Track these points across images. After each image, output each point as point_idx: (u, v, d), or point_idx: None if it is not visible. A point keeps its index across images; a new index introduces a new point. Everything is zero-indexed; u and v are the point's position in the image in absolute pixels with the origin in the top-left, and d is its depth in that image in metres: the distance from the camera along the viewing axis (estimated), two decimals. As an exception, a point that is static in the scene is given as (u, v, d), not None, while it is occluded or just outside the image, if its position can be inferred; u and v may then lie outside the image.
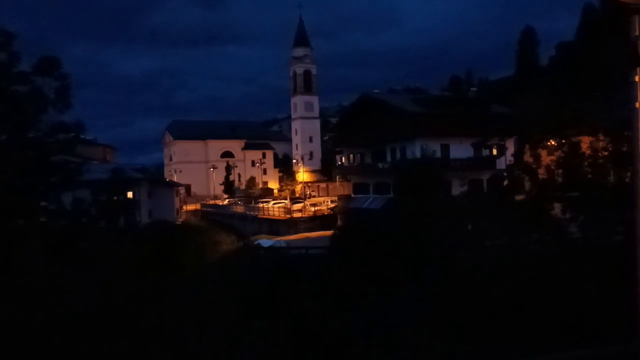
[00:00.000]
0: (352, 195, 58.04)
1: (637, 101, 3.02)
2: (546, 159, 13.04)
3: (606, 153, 11.06)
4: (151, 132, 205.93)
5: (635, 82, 3.01)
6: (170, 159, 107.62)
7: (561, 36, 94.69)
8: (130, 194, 52.57)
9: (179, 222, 61.20)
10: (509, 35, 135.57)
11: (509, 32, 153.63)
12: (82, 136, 22.09)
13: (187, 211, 76.24)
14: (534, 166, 12.87)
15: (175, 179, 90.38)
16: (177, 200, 69.03)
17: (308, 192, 78.53)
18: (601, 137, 11.47)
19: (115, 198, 40.71)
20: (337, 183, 73.74)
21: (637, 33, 2.98)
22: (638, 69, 2.98)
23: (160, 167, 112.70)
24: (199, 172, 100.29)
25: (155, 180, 68.14)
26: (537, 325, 7.49)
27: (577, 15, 68.91)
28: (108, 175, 37.80)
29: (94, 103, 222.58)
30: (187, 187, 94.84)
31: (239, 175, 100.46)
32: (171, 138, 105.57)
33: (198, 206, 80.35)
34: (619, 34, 3.12)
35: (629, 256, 3.11)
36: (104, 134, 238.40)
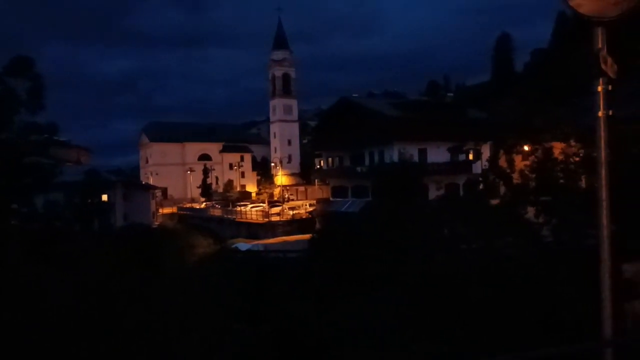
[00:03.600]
0: (331, 199, 58.16)
1: (600, 110, 3.15)
2: (520, 164, 13.31)
3: (577, 159, 11.33)
4: (128, 134, 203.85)
5: (598, 92, 3.14)
6: (147, 162, 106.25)
7: (536, 43, 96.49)
8: (105, 197, 51.86)
9: (155, 226, 60.45)
10: (486, 42, 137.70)
11: (486, 38, 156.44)
12: (56, 137, 21.72)
13: (163, 214, 75.37)
14: (508, 171, 13.14)
15: (151, 181, 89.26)
16: (153, 203, 68.20)
17: (286, 196, 78.40)
18: (573, 143, 11.76)
19: (89, 201, 40.10)
20: (316, 186, 73.78)
21: (599, 45, 3.11)
22: (600, 79, 3.12)
23: (136, 169, 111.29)
24: (176, 174, 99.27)
25: (131, 182, 67.27)
26: (513, 325, 7.66)
27: (552, 22, 70.42)
28: (82, 177, 37.17)
29: (70, 104, 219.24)
30: (164, 190, 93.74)
31: (217, 178, 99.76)
32: (147, 140, 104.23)
33: (175, 209, 79.53)
34: (587, 43, 3.26)
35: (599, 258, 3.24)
36: (80, 136, 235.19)
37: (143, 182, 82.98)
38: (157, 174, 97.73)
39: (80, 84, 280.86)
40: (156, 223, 64.57)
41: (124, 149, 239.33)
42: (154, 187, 75.49)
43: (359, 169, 52.70)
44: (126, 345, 9.83)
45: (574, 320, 6.23)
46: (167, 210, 78.84)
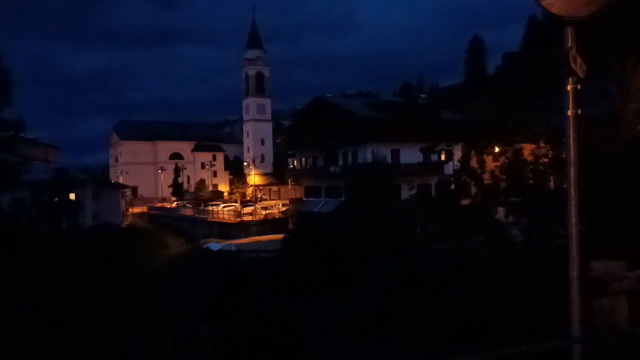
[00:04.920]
0: (304, 199, 58.09)
1: (569, 109, 3.18)
2: (491, 164, 13.47)
3: (546, 160, 11.52)
4: (99, 132, 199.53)
5: (568, 90, 3.17)
6: (117, 160, 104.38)
7: (508, 46, 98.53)
8: (73, 196, 50.71)
9: (125, 225, 59.43)
10: (459, 45, 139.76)
11: (459, 41, 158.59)
12: (23, 135, 21.09)
13: (133, 214, 74.15)
14: (479, 171, 13.29)
15: (121, 180, 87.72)
16: (123, 203, 67.05)
17: (259, 195, 78.03)
18: (542, 145, 11.95)
19: (57, 199, 39.17)
20: (289, 186, 73.63)
21: (569, 44, 3.15)
22: (570, 78, 3.15)
23: (106, 168, 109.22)
24: (147, 173, 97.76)
25: (100, 181, 66.04)
26: (484, 324, 7.73)
27: (523, 26, 71.85)
28: (50, 175, 36.36)
29: (39, 101, 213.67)
30: (134, 189, 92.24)
31: (189, 177, 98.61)
32: (118, 138, 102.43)
33: (145, 209, 78.31)
34: (557, 45, 3.29)
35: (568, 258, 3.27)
36: (49, 133, 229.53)
37: (113, 181, 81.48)
38: (127, 173, 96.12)
39: (50, 81, 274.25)
40: (126, 222, 63.56)
41: (94, 147, 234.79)
42: (124, 186, 74.27)
43: (332, 169, 52.77)
44: (93, 346, 9.62)
45: (544, 319, 6.31)
46: (137, 209, 77.57)
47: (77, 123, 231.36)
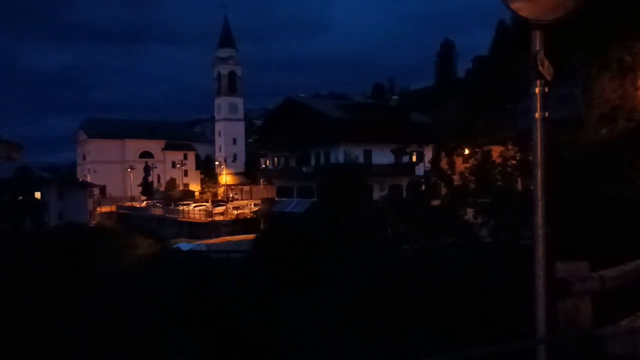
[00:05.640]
0: (276, 199, 57.89)
1: (536, 111, 3.23)
2: (460, 166, 13.66)
3: (514, 162, 11.73)
4: (65, 129, 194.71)
5: (535, 93, 3.22)
6: (84, 159, 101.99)
7: (477, 50, 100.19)
8: (37, 194, 49.40)
9: (92, 225, 58.19)
10: (430, 48, 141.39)
11: (430, 44, 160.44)
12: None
13: (101, 213, 72.64)
14: (449, 173, 13.47)
15: (89, 179, 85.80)
16: (90, 202, 65.66)
17: (231, 195, 77.42)
18: (510, 147, 12.17)
19: (20, 198, 38.08)
20: (261, 186, 73.25)
21: (537, 47, 3.19)
22: (538, 81, 3.20)
23: (73, 166, 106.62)
24: (115, 172, 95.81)
25: (66, 180, 64.54)
26: (453, 325, 7.80)
27: (492, 31, 73.18)
28: (13, 174, 35.42)
29: (1, 98, 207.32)
30: (102, 188, 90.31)
31: (159, 176, 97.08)
32: (85, 136, 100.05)
33: (114, 208, 76.79)
34: (525, 49, 3.33)
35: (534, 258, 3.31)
36: (12, 131, 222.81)
37: (80, 180, 79.67)
38: (95, 172, 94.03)
39: (12, 77, 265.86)
40: (94, 222, 62.25)
41: (60, 146, 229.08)
42: (92, 185, 72.78)
43: (304, 169, 52.73)
44: (55, 346, 9.36)
45: (511, 319, 6.40)
46: (105, 209, 75.97)
47: (42, 121, 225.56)
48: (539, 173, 3.26)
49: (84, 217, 56.38)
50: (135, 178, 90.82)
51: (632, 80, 12.36)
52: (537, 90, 3.19)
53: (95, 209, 70.07)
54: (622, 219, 8.15)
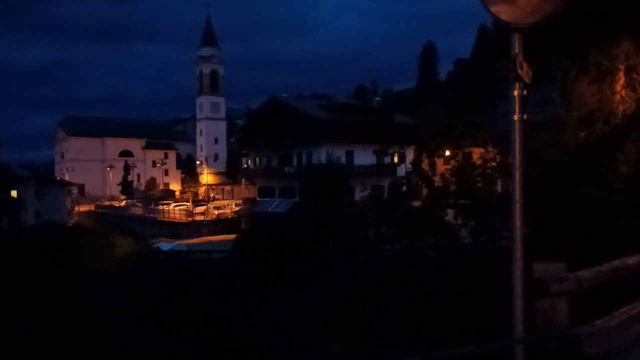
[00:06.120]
0: (258, 199, 57.69)
1: (515, 114, 3.27)
2: (441, 167, 13.74)
3: (494, 164, 11.84)
4: (44, 127, 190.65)
5: (514, 96, 3.25)
6: (63, 157, 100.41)
7: (459, 53, 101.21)
8: (14, 193, 48.52)
9: (70, 224, 57.32)
10: (413, 50, 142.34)
11: (413, 46, 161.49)
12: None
13: (80, 212, 71.57)
14: (430, 174, 13.52)
15: (67, 178, 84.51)
16: (68, 201, 64.66)
17: (212, 195, 76.94)
18: (490, 149, 12.28)
19: (-4, 197, 37.30)
20: (243, 186, 72.92)
21: (517, 50, 3.24)
22: (517, 84, 3.24)
23: (51, 164, 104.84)
24: (95, 171, 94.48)
25: (44, 178, 63.52)
26: (433, 325, 7.85)
27: (473, 34, 74.03)
28: (-12, 171, 34.66)
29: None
30: (81, 187, 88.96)
31: (139, 175, 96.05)
32: (64, 134, 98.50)
33: (92, 207, 75.74)
34: (505, 52, 3.37)
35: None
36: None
37: (58, 179, 78.40)
38: (74, 170, 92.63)
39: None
40: (71, 221, 61.33)
41: (39, 143, 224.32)
42: (70, 184, 71.71)
43: (286, 169, 52.65)
44: (31, 346, 9.19)
45: (490, 319, 6.46)
46: (84, 208, 74.87)
47: (21, 118, 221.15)
48: (517, 175, 3.30)
49: (62, 216, 55.52)
50: (114, 177, 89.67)
51: (610, 84, 12.59)
52: (516, 92, 3.23)
53: (73, 208, 69.07)
54: (600, 221, 8.29)
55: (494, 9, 3.23)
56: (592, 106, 12.65)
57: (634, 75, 12.38)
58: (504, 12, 3.23)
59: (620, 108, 12.42)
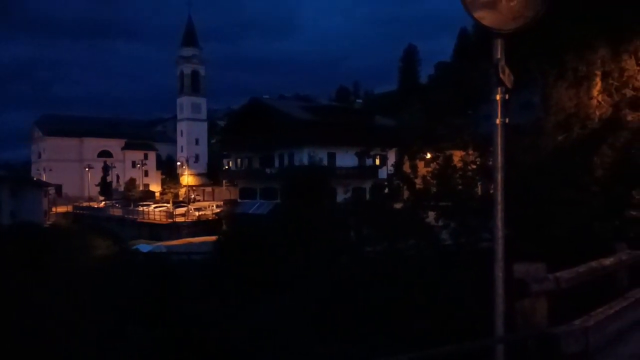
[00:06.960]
0: (239, 200, 57.41)
1: (497, 118, 3.33)
2: (423, 169, 13.86)
3: (475, 166, 11.99)
4: (21, 125, 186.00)
5: (496, 100, 3.31)
6: (40, 157, 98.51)
7: (440, 56, 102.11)
8: (-11, 193, 47.52)
9: (47, 225, 56.35)
10: (394, 53, 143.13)
11: (395, 49, 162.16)
12: None
13: (57, 213, 70.35)
14: (411, 176, 13.63)
15: (44, 178, 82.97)
16: (45, 202, 63.52)
17: (192, 196, 76.30)
18: (470, 152, 12.43)
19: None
20: (224, 187, 72.45)
21: (499, 55, 3.29)
22: (499, 88, 3.29)
23: (27, 164, 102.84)
24: (72, 171, 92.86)
25: (20, 178, 62.39)
26: (415, 325, 7.91)
27: (454, 38, 74.81)
28: (-38, 171, 33.89)
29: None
30: (58, 188, 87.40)
31: (118, 176, 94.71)
32: (41, 133, 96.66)
33: (70, 208, 74.52)
34: (486, 57, 3.43)
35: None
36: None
37: (35, 179, 76.97)
38: (51, 170, 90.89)
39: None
40: (48, 222, 60.29)
41: (15, 143, 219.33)
42: (47, 184, 70.40)
43: (268, 170, 52.51)
44: (9, 347, 9.02)
45: (470, 319, 6.53)
46: (61, 209, 73.56)
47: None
48: (499, 177, 3.35)
49: (38, 216, 54.51)
50: (93, 178, 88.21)
51: (587, 90, 12.84)
52: (498, 97, 3.28)
53: (50, 208, 67.87)
54: (577, 223, 8.46)
55: (477, 14, 3.28)
56: (570, 110, 12.89)
57: (610, 81, 12.66)
58: (486, 18, 3.28)
59: (597, 113, 12.68)
